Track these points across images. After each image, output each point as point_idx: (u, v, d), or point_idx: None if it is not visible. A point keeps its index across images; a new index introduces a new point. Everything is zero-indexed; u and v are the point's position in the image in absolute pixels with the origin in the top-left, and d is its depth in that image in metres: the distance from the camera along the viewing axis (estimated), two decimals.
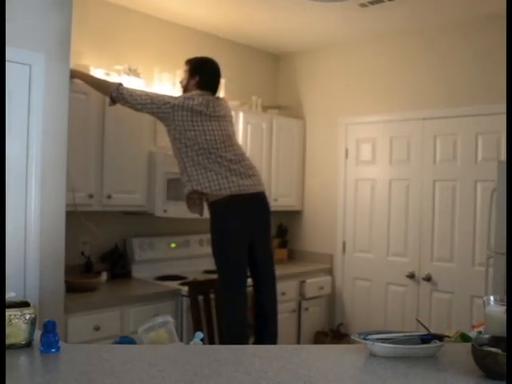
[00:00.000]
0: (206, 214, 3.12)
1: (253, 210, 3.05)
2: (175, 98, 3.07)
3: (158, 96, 3.07)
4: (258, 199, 3.09)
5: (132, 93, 3.05)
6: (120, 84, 3.07)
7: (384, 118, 4.28)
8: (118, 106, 3.10)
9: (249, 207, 3.03)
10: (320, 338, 4.31)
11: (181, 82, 3.29)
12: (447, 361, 1.48)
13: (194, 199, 3.08)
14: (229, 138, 3.09)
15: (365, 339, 1.53)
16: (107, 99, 3.11)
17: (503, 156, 3.55)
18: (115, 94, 3.04)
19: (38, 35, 2.57)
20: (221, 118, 3.08)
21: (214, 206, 3.00)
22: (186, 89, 3.21)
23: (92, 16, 3.50)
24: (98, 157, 3.22)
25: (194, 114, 2.98)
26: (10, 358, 1.39)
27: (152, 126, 3.48)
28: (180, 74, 3.86)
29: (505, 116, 2.81)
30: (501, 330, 1.44)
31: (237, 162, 3.04)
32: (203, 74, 3.17)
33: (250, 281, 3.11)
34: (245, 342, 2.91)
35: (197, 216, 3.21)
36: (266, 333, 3.09)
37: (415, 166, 4.12)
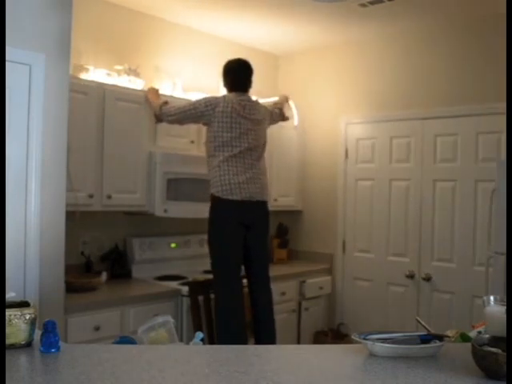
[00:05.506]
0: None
1: (251, 208, 3.11)
2: (215, 98, 3.17)
3: (199, 99, 3.20)
4: (258, 203, 3.16)
5: (174, 106, 3.26)
6: (164, 102, 3.31)
7: (384, 118, 4.28)
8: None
9: (248, 206, 3.08)
10: (320, 337, 4.31)
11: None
12: (447, 361, 1.48)
13: None
14: (257, 142, 3.17)
15: (365, 339, 1.53)
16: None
17: (503, 156, 3.55)
18: (158, 113, 3.33)
19: (38, 35, 2.57)
20: (255, 122, 3.18)
21: (215, 199, 3.07)
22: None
23: (92, 16, 3.50)
24: (98, 157, 3.21)
25: (232, 116, 3.08)
26: (10, 358, 1.39)
27: (152, 126, 3.48)
28: (180, 73, 3.89)
29: (505, 116, 2.80)
30: (501, 329, 1.44)
31: (253, 167, 3.13)
32: (229, 74, 3.28)
33: (245, 282, 3.14)
34: (243, 342, 2.91)
35: (197, 216, 3.23)
36: (262, 333, 3.11)
37: (415, 166, 4.12)
